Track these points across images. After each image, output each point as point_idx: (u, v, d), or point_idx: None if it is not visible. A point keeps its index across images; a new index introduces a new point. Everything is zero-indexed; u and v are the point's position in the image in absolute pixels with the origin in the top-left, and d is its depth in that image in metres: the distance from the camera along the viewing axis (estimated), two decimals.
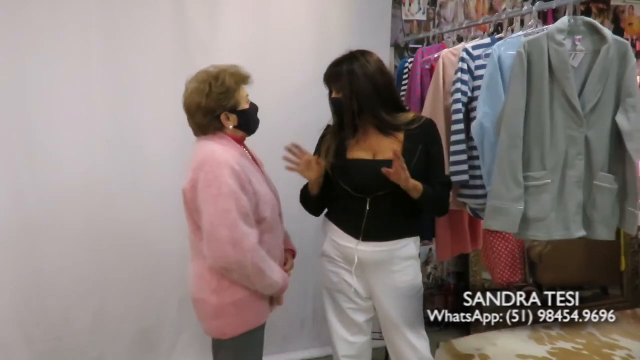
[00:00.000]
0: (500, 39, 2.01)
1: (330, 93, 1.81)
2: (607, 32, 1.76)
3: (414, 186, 1.66)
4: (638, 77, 1.80)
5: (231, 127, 1.65)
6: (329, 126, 1.88)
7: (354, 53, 1.77)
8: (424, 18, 2.92)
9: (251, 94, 1.75)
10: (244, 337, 1.63)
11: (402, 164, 1.60)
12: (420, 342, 1.85)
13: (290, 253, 1.91)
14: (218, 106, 1.60)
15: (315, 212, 1.93)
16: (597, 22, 1.78)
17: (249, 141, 1.82)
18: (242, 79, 1.66)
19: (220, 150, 1.58)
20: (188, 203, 1.60)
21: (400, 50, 2.87)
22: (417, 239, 1.86)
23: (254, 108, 1.72)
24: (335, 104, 1.78)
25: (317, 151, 1.86)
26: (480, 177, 1.97)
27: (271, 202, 1.68)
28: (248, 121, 1.69)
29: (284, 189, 1.91)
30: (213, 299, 1.59)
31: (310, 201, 1.87)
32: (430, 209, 1.86)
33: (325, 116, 1.89)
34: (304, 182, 1.88)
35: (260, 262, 1.56)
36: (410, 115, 1.80)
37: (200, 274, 1.62)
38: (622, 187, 1.86)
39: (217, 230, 1.50)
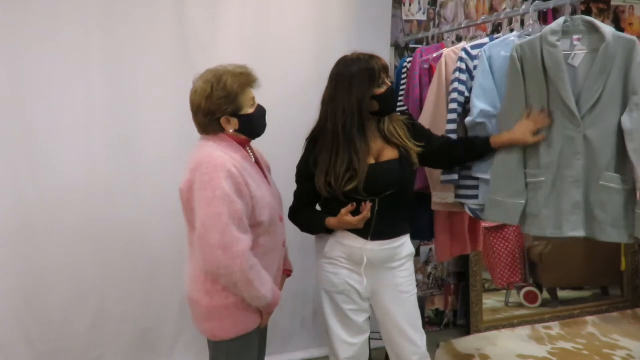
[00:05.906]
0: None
1: (380, 85, 1.74)
2: (607, 29, 1.71)
3: None
4: None
5: (231, 130, 1.61)
6: (314, 133, 1.84)
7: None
8: (424, 18, 2.92)
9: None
10: (234, 342, 1.62)
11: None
12: (419, 336, 1.88)
13: (285, 274, 1.89)
14: (218, 110, 1.56)
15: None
16: (596, 21, 1.75)
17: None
18: (247, 81, 1.59)
19: (217, 152, 1.54)
20: (184, 203, 1.58)
21: (400, 50, 2.87)
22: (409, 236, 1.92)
23: (259, 111, 1.66)
24: (388, 94, 1.76)
25: (309, 158, 1.81)
26: (476, 178, 1.99)
27: (269, 206, 1.64)
28: (251, 126, 1.64)
29: (285, 191, 1.91)
30: (205, 301, 1.58)
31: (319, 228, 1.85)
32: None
33: None
34: None
35: (249, 270, 1.51)
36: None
37: (196, 275, 1.60)
38: (632, 188, 1.77)
39: (209, 233, 1.48)
